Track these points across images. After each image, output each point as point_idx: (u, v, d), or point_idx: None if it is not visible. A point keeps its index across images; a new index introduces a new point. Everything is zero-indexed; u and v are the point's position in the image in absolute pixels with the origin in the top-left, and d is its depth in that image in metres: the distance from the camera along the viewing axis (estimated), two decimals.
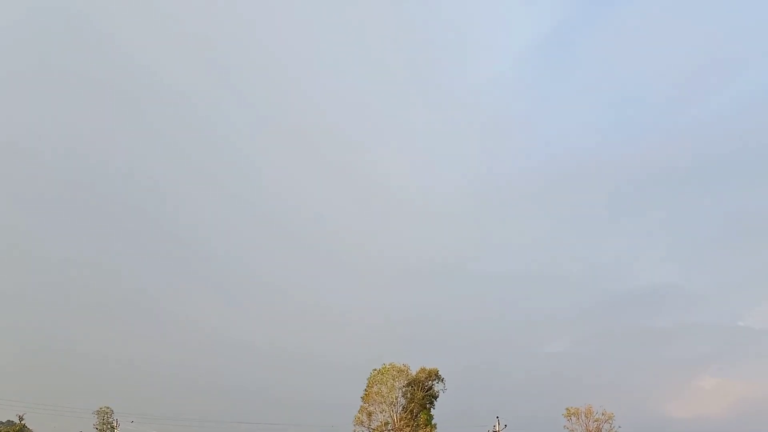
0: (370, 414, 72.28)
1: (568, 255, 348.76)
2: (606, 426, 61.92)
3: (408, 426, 70.64)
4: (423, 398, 72.88)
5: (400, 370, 73.64)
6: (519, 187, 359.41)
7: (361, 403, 73.34)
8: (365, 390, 74.05)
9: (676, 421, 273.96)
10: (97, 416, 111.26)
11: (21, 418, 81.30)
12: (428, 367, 74.90)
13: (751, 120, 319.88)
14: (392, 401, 72.38)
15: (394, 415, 71.86)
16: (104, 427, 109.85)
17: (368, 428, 71.83)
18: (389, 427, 71.64)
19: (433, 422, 72.36)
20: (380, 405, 72.28)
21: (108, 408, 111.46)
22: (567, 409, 63.82)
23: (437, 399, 74.13)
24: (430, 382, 74.05)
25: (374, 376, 74.28)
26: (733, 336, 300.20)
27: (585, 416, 62.79)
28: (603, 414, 62.35)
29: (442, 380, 74.46)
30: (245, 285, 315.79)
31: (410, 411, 71.94)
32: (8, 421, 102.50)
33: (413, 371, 74.20)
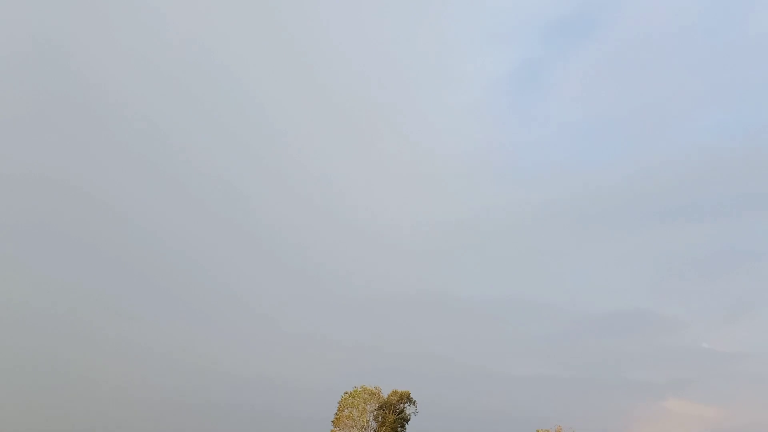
0: None
1: (541, 281, 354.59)
2: None
3: None
4: (394, 421, 72.27)
5: (371, 393, 73.09)
6: (494, 218, 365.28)
7: (332, 428, 72.47)
8: (336, 414, 73.20)
9: None
10: None
11: None
12: (400, 389, 74.47)
13: (714, 155, 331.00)
14: (363, 425, 71.64)
15: None
16: None
17: None
18: None
19: None
20: (351, 429, 71.47)
21: None
22: (537, 430, 63.82)
23: (409, 422, 73.57)
24: (401, 404, 73.54)
25: (345, 399, 73.58)
26: (705, 359, 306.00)
27: None
28: None
29: (414, 403, 74.02)
30: (220, 307, 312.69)
31: None
32: None
33: (385, 394, 73.73)
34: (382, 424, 72.03)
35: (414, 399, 74.07)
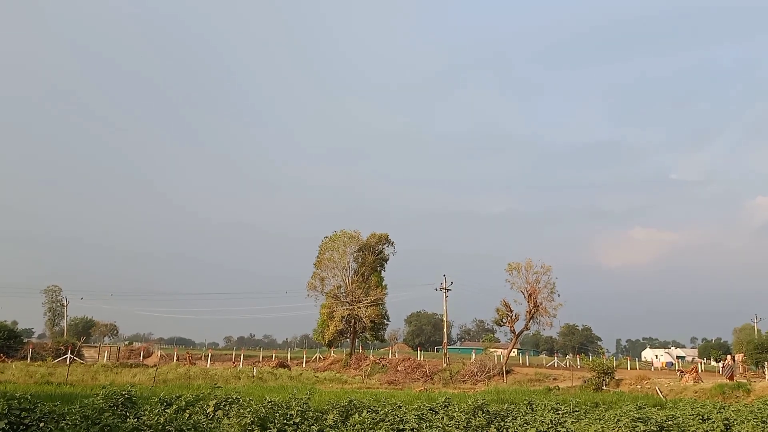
0: (323, 279, 74.12)
1: (509, 115, 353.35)
2: (544, 278, 62.86)
3: (359, 288, 72.47)
4: (374, 261, 74.35)
5: (351, 236, 74.64)
6: (462, 53, 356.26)
7: (314, 269, 75.06)
8: (317, 257, 75.54)
9: (611, 268, 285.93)
10: (45, 295, 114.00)
11: None
12: (378, 232, 75.70)
13: None
14: (344, 266, 73.93)
15: (346, 279, 73.60)
16: (54, 305, 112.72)
17: (321, 292, 73.92)
18: (341, 290, 73.61)
19: (383, 283, 74.13)
20: (332, 270, 73.93)
21: (56, 286, 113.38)
22: (509, 264, 64.48)
23: (387, 262, 75.68)
24: (380, 246, 75.27)
25: (326, 243, 75.49)
26: (665, 188, 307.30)
27: (525, 270, 63.57)
28: (542, 267, 63.17)
29: (392, 244, 75.86)
30: (199, 158, 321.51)
31: (361, 274, 73.64)
32: None
33: (364, 237, 75.14)
34: (362, 265, 74.15)
35: (392, 240, 75.46)
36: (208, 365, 65.59)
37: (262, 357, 79.36)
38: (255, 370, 51.96)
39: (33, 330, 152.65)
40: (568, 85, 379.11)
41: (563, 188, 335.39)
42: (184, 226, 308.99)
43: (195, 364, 66.60)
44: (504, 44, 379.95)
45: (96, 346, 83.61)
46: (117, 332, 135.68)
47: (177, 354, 77.09)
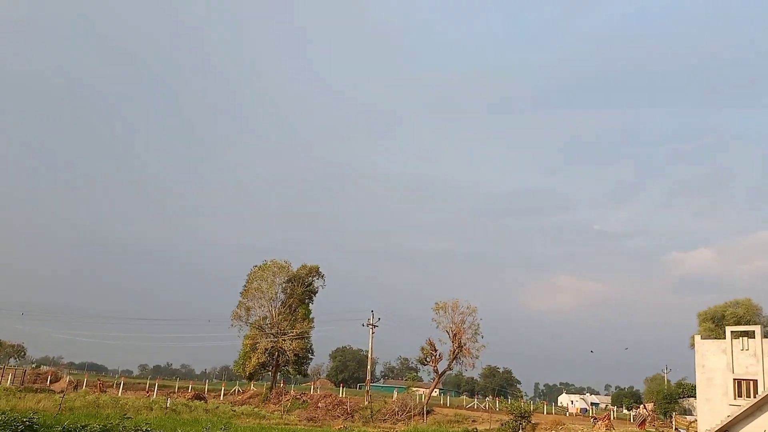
0: (248, 309, 72.62)
1: (451, 161, 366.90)
2: (469, 318, 63.95)
3: (286, 320, 71.37)
4: (302, 293, 73.57)
5: (281, 267, 73.75)
6: (409, 99, 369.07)
7: (240, 299, 73.47)
8: (245, 286, 74.17)
9: (535, 313, 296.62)
10: None
11: None
12: (309, 264, 75.16)
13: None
14: (272, 296, 72.76)
15: (273, 310, 72.37)
16: None
17: (246, 323, 72.30)
18: (267, 321, 72.24)
19: (311, 316, 73.29)
20: (259, 300, 72.61)
21: None
22: (436, 303, 65.31)
23: (316, 294, 74.95)
24: (310, 278, 74.58)
25: (255, 272, 74.23)
26: (589, 239, 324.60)
27: (452, 310, 64.50)
28: (468, 307, 64.36)
29: (323, 276, 75.33)
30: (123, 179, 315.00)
31: (289, 306, 72.65)
32: None
33: (294, 268, 74.40)
34: (290, 296, 73.20)
35: (323, 273, 75.03)
36: (120, 394, 62.56)
37: (178, 388, 76.37)
38: (169, 401, 50.01)
39: None
40: (506, 135, 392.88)
41: (497, 232, 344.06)
42: (106, 249, 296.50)
43: (106, 392, 63.44)
44: (445, 90, 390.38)
45: (0, 368, 78.35)
46: (24, 354, 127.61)
47: (87, 380, 73.23)
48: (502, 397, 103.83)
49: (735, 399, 47.30)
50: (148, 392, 67.15)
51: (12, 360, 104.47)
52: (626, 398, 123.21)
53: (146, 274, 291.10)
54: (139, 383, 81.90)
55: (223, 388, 76.35)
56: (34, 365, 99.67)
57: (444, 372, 67.12)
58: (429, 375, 75.35)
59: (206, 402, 59.11)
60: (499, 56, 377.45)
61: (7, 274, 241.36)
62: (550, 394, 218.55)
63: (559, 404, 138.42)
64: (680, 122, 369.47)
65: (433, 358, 65.22)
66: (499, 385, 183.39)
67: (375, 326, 68.61)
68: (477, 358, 63.05)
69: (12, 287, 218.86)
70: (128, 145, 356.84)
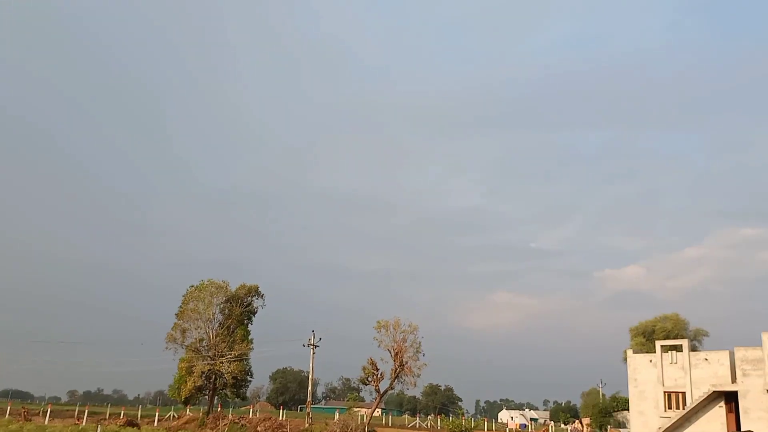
0: (184, 331, 70.22)
1: (392, 180, 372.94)
2: (411, 337, 63.77)
3: (224, 342, 69.52)
4: (241, 314, 71.93)
5: (219, 287, 71.90)
6: (351, 118, 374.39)
7: (176, 320, 71.11)
8: (180, 307, 71.75)
9: (474, 330, 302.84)
10: None
11: None
12: (249, 283, 73.71)
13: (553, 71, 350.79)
14: (209, 318, 70.68)
15: (210, 332, 70.38)
16: None
17: (181, 345, 69.93)
18: (204, 344, 70.19)
19: (249, 337, 71.72)
20: (196, 321, 70.35)
21: None
22: (378, 322, 64.86)
23: (255, 315, 73.49)
24: (249, 298, 73.08)
25: (191, 292, 72.07)
26: (526, 256, 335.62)
27: (393, 328, 64.20)
28: (409, 326, 64.08)
29: (262, 296, 73.91)
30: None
31: (227, 327, 70.83)
32: None
33: (233, 287, 72.74)
34: (228, 317, 71.44)
35: (262, 293, 73.70)
36: (47, 422, 59.29)
37: (110, 414, 73.16)
38: (99, 429, 47.73)
39: None
40: (446, 155, 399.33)
41: (436, 251, 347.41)
42: (31, 262, 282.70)
43: (31, 420, 60.03)
44: (383, 110, 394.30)
45: None
46: None
47: (11, 408, 69.22)
48: (443, 414, 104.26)
49: (665, 411, 48.95)
50: (77, 420, 63.89)
51: None
52: (563, 413, 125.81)
53: (75, 289, 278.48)
54: (68, 410, 78.07)
55: (157, 414, 73.60)
56: None
57: (386, 391, 66.65)
58: (371, 395, 75.05)
59: (139, 429, 56.74)
60: (441, 79, 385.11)
61: None
62: (490, 410, 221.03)
63: (499, 420, 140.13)
64: (612, 143, 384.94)
65: (374, 377, 64.70)
66: (441, 403, 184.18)
67: (316, 346, 67.72)
68: (419, 376, 62.82)
69: None
70: None
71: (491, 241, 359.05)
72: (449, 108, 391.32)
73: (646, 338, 71.95)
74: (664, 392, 48.92)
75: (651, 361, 50.47)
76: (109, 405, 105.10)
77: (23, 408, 70.39)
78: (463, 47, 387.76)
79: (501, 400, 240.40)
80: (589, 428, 69.27)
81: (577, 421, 73.09)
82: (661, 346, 50.99)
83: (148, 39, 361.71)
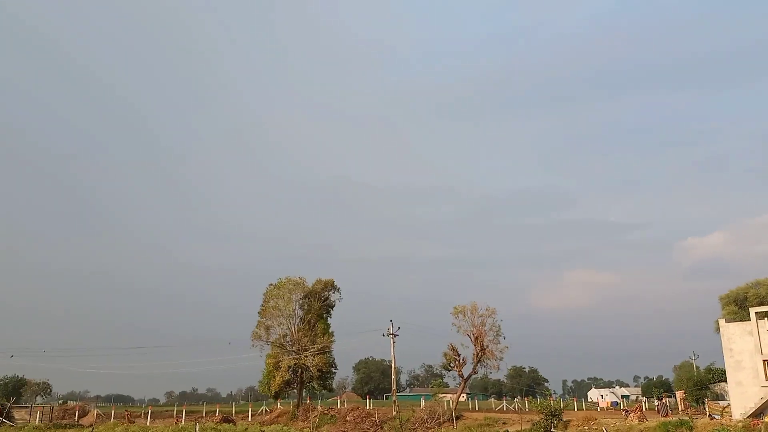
0: (267, 328, 72.55)
1: (448, 165, 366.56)
2: (489, 320, 63.52)
3: (306, 336, 71.25)
4: (320, 308, 73.49)
5: (296, 283, 73.74)
6: (394, 111, 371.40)
7: (259, 318, 73.44)
8: (262, 305, 74.15)
9: (553, 310, 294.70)
10: None
11: None
12: (324, 278, 75.09)
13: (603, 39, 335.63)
14: (289, 314, 72.66)
15: (292, 327, 72.31)
16: None
17: (266, 342, 72.19)
18: (287, 339, 72.15)
19: (330, 331, 73.16)
20: (278, 318, 72.55)
21: None
22: (455, 307, 65.01)
23: (334, 308, 74.87)
24: (326, 292, 74.54)
25: (270, 290, 74.24)
26: (598, 231, 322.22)
27: (471, 313, 64.18)
28: (487, 310, 63.93)
29: (338, 290, 75.26)
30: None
31: (308, 322, 72.59)
32: None
33: (309, 283, 74.30)
34: (308, 312, 73.14)
35: (338, 286, 74.92)
36: (148, 423, 62.73)
37: (206, 412, 76.36)
38: (198, 427, 49.99)
39: None
40: (500, 135, 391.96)
41: (500, 233, 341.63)
42: (115, 288, 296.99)
43: (134, 422, 63.64)
44: (430, 94, 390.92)
45: (27, 407, 78.67)
46: (50, 391, 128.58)
47: (115, 412, 73.47)
48: (530, 397, 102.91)
49: (767, 380, 46.52)
50: (176, 419, 67.23)
51: (39, 398, 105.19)
52: (656, 388, 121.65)
53: (158, 306, 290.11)
54: (167, 411, 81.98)
55: (250, 409, 76.23)
56: (60, 401, 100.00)
57: (469, 376, 66.69)
58: (455, 380, 75.01)
59: (235, 424, 59.09)
60: (492, 56, 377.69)
61: (26, 317, 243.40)
62: (578, 390, 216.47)
63: (589, 400, 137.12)
64: (678, 108, 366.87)
65: (456, 363, 64.80)
66: (527, 385, 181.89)
67: (395, 335, 68.32)
68: (501, 359, 62.64)
69: (32, 329, 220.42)
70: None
71: (559, 219, 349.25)
72: (498, 87, 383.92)
73: (738, 306, 68.56)
74: (763, 361, 46.49)
75: (747, 329, 48.05)
76: (204, 403, 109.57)
77: (126, 411, 74.51)
78: (512, 21, 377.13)
79: (588, 378, 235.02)
80: (685, 402, 66.74)
81: (663, 397, 70.49)
82: (756, 313, 48.42)
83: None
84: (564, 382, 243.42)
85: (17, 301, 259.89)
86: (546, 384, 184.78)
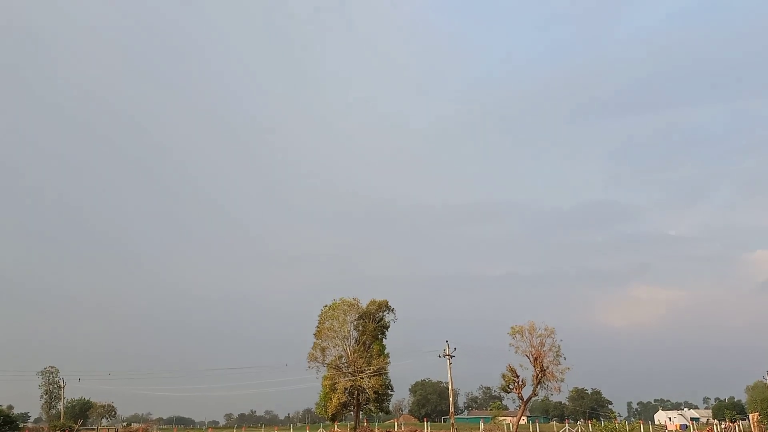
0: (323, 349, 72.58)
1: (502, 184, 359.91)
2: (549, 340, 61.87)
3: (361, 357, 70.94)
4: (374, 329, 73.16)
5: (350, 304, 73.68)
6: (451, 128, 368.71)
7: (315, 340, 73.63)
8: (317, 326, 74.28)
9: (615, 328, 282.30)
10: (42, 376, 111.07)
11: None
12: (378, 299, 74.82)
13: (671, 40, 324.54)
14: (345, 335, 72.64)
15: (348, 348, 72.16)
16: (50, 387, 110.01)
17: (322, 363, 72.22)
18: (343, 360, 72.00)
19: (386, 351, 72.67)
20: (333, 339, 72.53)
21: (53, 368, 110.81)
22: (512, 327, 63.67)
23: (388, 329, 74.41)
24: (380, 313, 74.25)
25: (325, 312, 74.41)
26: (660, 245, 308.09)
27: (529, 333, 62.69)
28: (545, 329, 62.31)
29: (393, 310, 74.83)
30: (201, 224, 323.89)
31: (363, 343, 72.31)
32: None
33: (363, 304, 74.20)
34: (362, 333, 72.92)
35: (392, 307, 74.54)
36: None
37: None
38: None
39: (29, 414, 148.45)
40: (559, 149, 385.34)
41: (560, 250, 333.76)
42: (179, 303, 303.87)
43: None
44: (494, 109, 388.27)
45: (94, 429, 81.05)
46: (115, 413, 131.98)
47: None
48: (594, 419, 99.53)
49: None
50: None
51: (104, 420, 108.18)
52: (728, 410, 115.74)
53: (218, 324, 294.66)
54: None
55: (308, 431, 76.24)
56: (125, 423, 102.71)
57: (529, 398, 64.90)
58: (514, 402, 73.19)
59: None
60: (546, 72, 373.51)
61: (91, 334, 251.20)
62: (645, 412, 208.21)
63: (656, 422, 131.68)
64: (739, 116, 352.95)
65: (516, 384, 63.22)
66: (590, 407, 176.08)
67: (452, 356, 67.27)
68: (562, 381, 60.86)
69: (98, 352, 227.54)
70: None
71: (619, 233, 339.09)
72: (559, 99, 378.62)
73: None
74: None
75: None
76: (263, 425, 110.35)
77: None
78: (564, 35, 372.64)
79: (655, 400, 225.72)
80: (760, 426, 63.16)
81: (727, 421, 66.88)
82: None
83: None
84: (629, 404, 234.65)
85: (84, 325, 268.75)
86: (610, 406, 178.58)
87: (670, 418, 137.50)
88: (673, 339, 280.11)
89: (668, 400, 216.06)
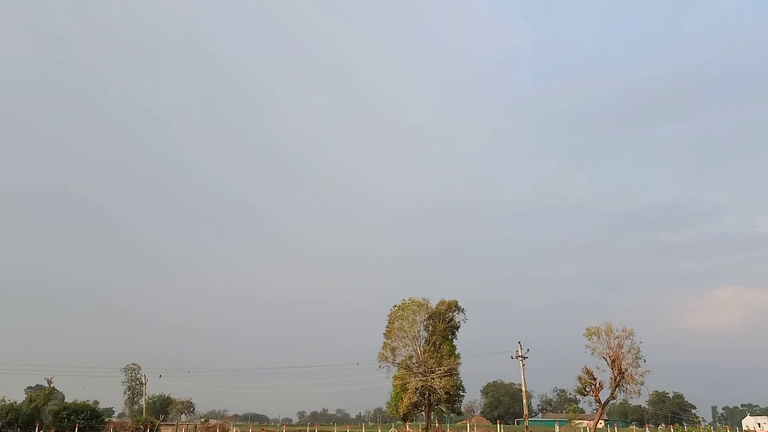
0: (393, 349, 72.39)
1: (575, 183, 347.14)
2: (627, 342, 59.47)
3: (432, 358, 70.32)
4: (444, 329, 72.31)
5: (420, 304, 73.14)
6: (525, 126, 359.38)
7: (384, 340, 73.53)
8: (387, 326, 74.14)
9: (698, 332, 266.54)
10: (125, 373, 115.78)
11: (50, 382, 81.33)
12: (447, 299, 73.95)
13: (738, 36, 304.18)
14: (414, 335, 72.20)
15: (418, 348, 71.68)
16: (132, 383, 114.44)
17: (393, 363, 72.05)
18: (413, 360, 71.58)
19: (456, 352, 71.73)
20: (403, 340, 72.23)
21: (135, 365, 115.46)
22: (587, 329, 61.56)
23: (458, 329, 73.45)
24: (450, 313, 73.32)
25: (395, 312, 74.16)
26: (745, 245, 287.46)
27: (606, 334, 60.47)
28: (623, 330, 59.96)
29: (463, 311, 73.79)
30: (265, 237, 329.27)
31: (433, 343, 71.63)
32: (37, 385, 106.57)
33: (433, 304, 73.53)
34: (432, 333, 72.27)
35: (462, 307, 73.53)
36: None
37: None
38: None
39: (113, 409, 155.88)
40: (630, 148, 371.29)
41: (633, 251, 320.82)
42: (255, 306, 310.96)
43: None
44: (562, 111, 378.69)
45: (173, 424, 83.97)
46: (193, 409, 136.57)
47: (252, 430, 76.27)
48: (677, 424, 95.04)
49: None
50: None
51: (183, 416, 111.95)
52: None
53: (292, 326, 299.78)
54: (300, 430, 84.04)
55: (379, 431, 76.22)
56: (202, 419, 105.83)
57: (607, 401, 62.56)
58: (591, 406, 70.77)
59: None
60: (614, 67, 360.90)
61: (171, 333, 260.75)
62: (731, 417, 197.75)
63: (744, 428, 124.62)
64: None
65: (593, 387, 61.07)
66: (671, 411, 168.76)
67: (525, 358, 65.66)
68: (642, 384, 58.41)
69: (180, 349, 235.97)
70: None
71: (700, 233, 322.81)
72: (630, 97, 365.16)
73: None
74: None
75: None
76: (335, 424, 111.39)
77: (262, 429, 77.24)
78: (627, 31, 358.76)
79: (743, 405, 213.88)
80: None
81: None
82: None
83: None
84: (714, 408, 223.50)
85: (162, 330, 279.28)
86: (693, 411, 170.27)
87: (759, 424, 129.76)
88: (760, 341, 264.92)
89: (757, 406, 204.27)
